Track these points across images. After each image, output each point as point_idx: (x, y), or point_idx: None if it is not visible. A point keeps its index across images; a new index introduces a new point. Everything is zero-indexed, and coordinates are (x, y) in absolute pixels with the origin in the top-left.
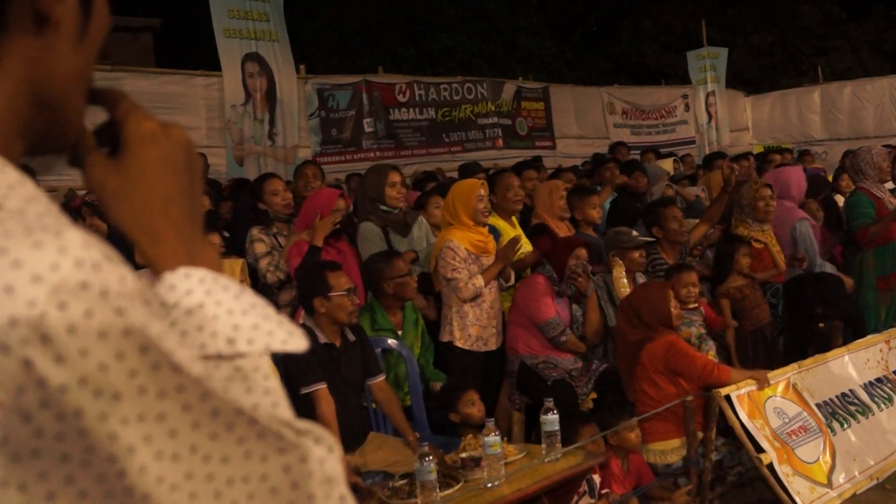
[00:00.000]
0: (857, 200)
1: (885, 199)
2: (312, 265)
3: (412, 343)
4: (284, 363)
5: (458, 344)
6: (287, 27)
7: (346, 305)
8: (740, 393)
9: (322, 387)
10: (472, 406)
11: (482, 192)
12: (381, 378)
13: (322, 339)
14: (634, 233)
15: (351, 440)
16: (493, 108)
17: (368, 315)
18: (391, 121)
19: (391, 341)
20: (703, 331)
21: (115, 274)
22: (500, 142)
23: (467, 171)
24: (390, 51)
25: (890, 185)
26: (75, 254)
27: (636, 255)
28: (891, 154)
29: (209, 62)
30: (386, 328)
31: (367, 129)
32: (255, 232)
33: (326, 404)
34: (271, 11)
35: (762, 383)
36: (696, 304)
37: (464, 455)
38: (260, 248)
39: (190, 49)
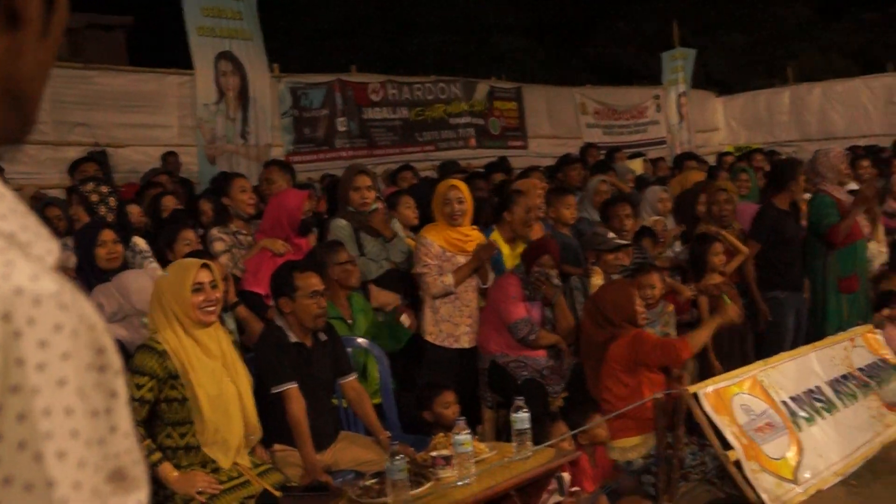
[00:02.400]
0: (822, 202)
1: (844, 200)
2: (283, 264)
3: (364, 332)
4: (256, 363)
5: (429, 339)
6: (261, 26)
7: (310, 308)
8: (708, 391)
9: (292, 386)
10: (447, 408)
11: (451, 194)
12: (352, 377)
13: (292, 338)
14: (611, 234)
15: (322, 439)
16: (466, 108)
17: None
18: (364, 120)
19: (361, 340)
20: (668, 330)
21: None
22: (473, 141)
23: (445, 170)
24: (364, 50)
25: (851, 185)
26: None
27: (611, 257)
28: (848, 156)
29: (182, 60)
30: (333, 316)
31: (341, 128)
32: (214, 232)
33: (297, 404)
34: (245, 10)
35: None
36: (667, 304)
37: (434, 453)
38: (219, 246)
39: (163, 47)
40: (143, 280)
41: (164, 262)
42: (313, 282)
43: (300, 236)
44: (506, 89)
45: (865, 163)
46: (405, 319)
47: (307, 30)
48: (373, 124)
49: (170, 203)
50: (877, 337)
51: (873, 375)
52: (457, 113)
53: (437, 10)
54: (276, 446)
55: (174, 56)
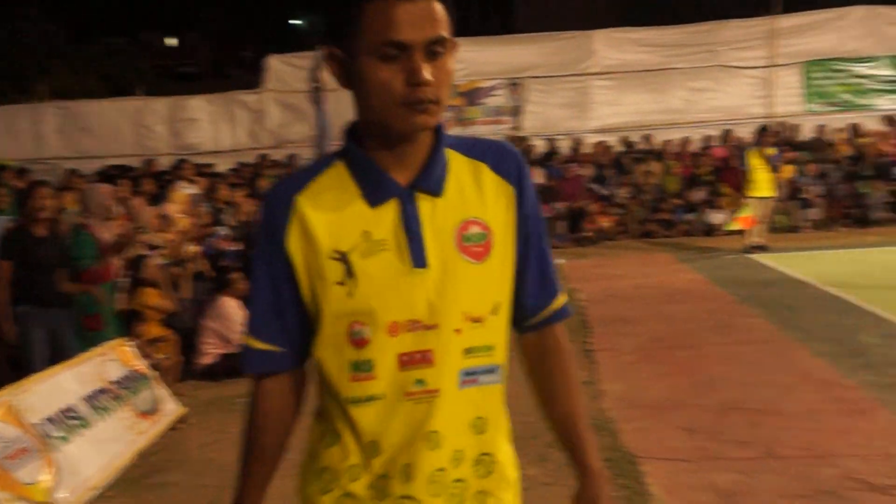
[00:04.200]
0: (84, 240)
1: (107, 238)
2: None
3: None
4: None
5: None
6: None
7: None
8: None
9: None
10: None
11: None
12: None
13: None
14: None
15: None
16: None
17: None
18: None
19: None
20: None
21: None
22: None
23: None
24: None
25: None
26: None
27: None
28: (115, 193)
29: None
30: None
31: None
32: None
33: None
34: None
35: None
36: None
37: None
38: None
39: None
40: None
41: None
42: None
43: None
44: None
45: (123, 182)
46: None
47: None
48: None
49: None
50: (130, 349)
51: (127, 387)
52: None
53: None
54: None
55: None
